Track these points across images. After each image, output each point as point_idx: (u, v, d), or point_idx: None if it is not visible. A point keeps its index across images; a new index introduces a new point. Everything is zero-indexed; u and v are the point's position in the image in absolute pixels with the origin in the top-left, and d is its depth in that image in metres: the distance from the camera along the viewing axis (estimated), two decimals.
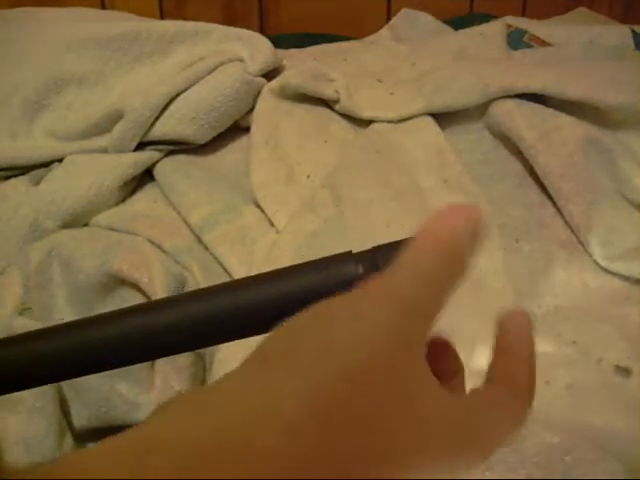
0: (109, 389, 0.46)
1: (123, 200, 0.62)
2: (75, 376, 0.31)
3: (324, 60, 0.76)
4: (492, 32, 0.77)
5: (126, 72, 0.69)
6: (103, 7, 0.90)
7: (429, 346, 0.21)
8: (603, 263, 0.51)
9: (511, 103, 0.61)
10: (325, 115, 0.67)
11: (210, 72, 0.65)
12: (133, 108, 0.62)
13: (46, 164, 0.64)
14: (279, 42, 0.74)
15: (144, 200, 0.62)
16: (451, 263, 0.21)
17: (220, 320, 0.28)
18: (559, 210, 0.55)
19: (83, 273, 0.50)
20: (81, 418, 0.47)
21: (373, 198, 0.55)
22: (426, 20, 0.90)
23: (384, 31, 0.91)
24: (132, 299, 0.50)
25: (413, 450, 0.18)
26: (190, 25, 0.70)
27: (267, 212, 0.57)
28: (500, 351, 0.23)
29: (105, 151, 0.64)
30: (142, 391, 0.46)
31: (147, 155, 0.63)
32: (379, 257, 0.27)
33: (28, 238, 0.56)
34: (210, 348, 0.48)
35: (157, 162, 0.64)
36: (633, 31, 0.77)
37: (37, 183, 0.61)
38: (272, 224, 0.56)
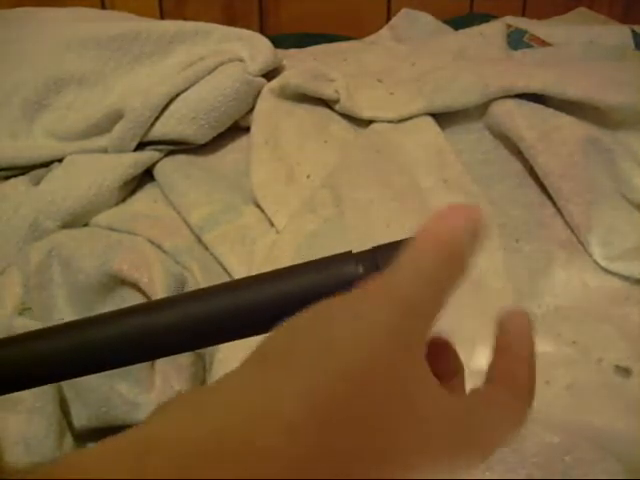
0: (109, 389, 0.46)
1: (123, 200, 0.62)
2: (75, 376, 0.31)
3: (324, 60, 0.76)
4: (492, 32, 0.77)
5: (126, 72, 0.69)
6: (103, 7, 0.90)
7: (429, 346, 0.21)
8: (603, 263, 0.51)
9: (511, 103, 0.61)
10: (325, 115, 0.67)
11: (210, 72, 0.65)
12: (133, 108, 0.62)
13: (46, 164, 0.64)
14: (279, 42, 0.74)
15: (144, 200, 0.62)
16: (451, 263, 0.21)
17: (220, 320, 0.28)
18: (559, 210, 0.55)
19: (83, 273, 0.50)
20: (81, 418, 0.47)
21: (373, 198, 0.55)
22: (426, 20, 0.90)
23: (384, 31, 0.91)
24: (132, 299, 0.50)
25: (413, 450, 0.18)
26: (190, 25, 0.70)
27: (267, 212, 0.57)
28: (500, 351, 0.23)
29: (105, 151, 0.64)
30: (142, 391, 0.46)
31: (147, 155, 0.63)
32: (379, 257, 0.27)
33: (28, 238, 0.56)
34: (210, 348, 0.48)
35: (157, 162, 0.64)
36: (633, 31, 0.77)
37: (37, 183, 0.61)
38: (272, 224, 0.56)
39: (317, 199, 0.56)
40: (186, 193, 0.59)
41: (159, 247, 0.53)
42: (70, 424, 0.47)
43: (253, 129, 0.65)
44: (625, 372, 0.44)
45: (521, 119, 0.59)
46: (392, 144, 0.62)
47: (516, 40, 0.78)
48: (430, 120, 0.64)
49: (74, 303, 0.50)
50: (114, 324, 0.29)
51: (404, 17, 0.91)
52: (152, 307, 0.30)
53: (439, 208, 0.21)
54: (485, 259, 0.50)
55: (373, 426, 0.17)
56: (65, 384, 0.47)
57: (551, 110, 0.60)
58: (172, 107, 0.63)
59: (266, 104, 0.67)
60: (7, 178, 0.63)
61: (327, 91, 0.66)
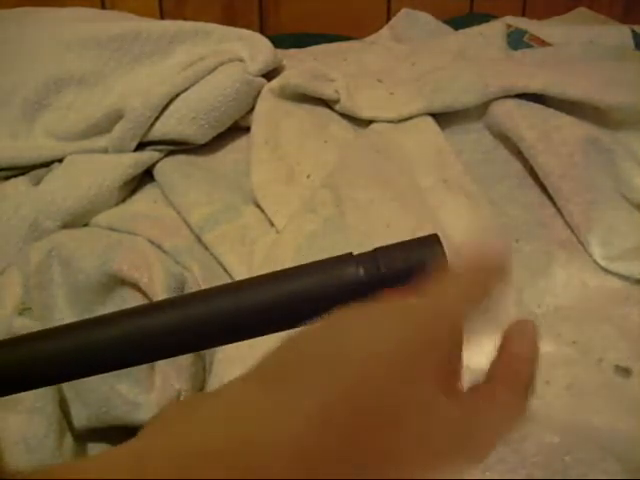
0: (109, 389, 0.46)
1: (123, 200, 0.62)
2: (76, 378, 0.31)
3: (324, 60, 0.76)
4: (492, 32, 0.77)
5: (126, 72, 0.69)
6: (103, 7, 0.90)
7: None
8: (603, 263, 0.51)
9: (511, 103, 0.61)
10: (325, 115, 0.67)
11: (210, 72, 0.65)
12: (133, 108, 0.62)
13: (46, 164, 0.64)
14: (279, 42, 0.74)
15: (144, 200, 0.62)
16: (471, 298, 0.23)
17: (221, 322, 0.28)
18: (559, 210, 0.55)
19: (83, 273, 0.50)
20: (81, 418, 0.47)
21: (373, 198, 0.55)
22: (426, 20, 0.90)
23: (384, 31, 0.91)
24: (132, 299, 0.50)
25: (413, 450, 0.18)
26: (190, 25, 0.70)
27: (267, 212, 0.57)
28: (502, 350, 0.23)
29: (105, 151, 0.64)
30: (142, 391, 0.46)
31: (147, 155, 0.63)
32: (380, 259, 0.27)
33: (28, 238, 0.56)
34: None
35: (157, 162, 0.64)
36: (633, 31, 0.77)
37: (37, 183, 0.61)
38: (272, 224, 0.56)
39: (317, 199, 0.56)
40: (186, 193, 0.59)
41: (159, 247, 0.53)
42: (70, 424, 0.47)
43: (253, 129, 0.65)
44: (625, 372, 0.44)
45: (521, 119, 0.59)
46: (392, 144, 0.62)
47: (516, 40, 0.78)
48: (430, 120, 0.64)
49: (74, 303, 0.50)
50: (115, 326, 0.29)
51: (404, 17, 0.91)
52: (153, 309, 0.30)
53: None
54: None
55: (373, 427, 0.17)
56: (65, 384, 0.47)
57: (551, 110, 0.60)
58: (172, 107, 0.63)
59: (266, 104, 0.67)
60: (7, 178, 0.63)
61: (327, 91, 0.66)
